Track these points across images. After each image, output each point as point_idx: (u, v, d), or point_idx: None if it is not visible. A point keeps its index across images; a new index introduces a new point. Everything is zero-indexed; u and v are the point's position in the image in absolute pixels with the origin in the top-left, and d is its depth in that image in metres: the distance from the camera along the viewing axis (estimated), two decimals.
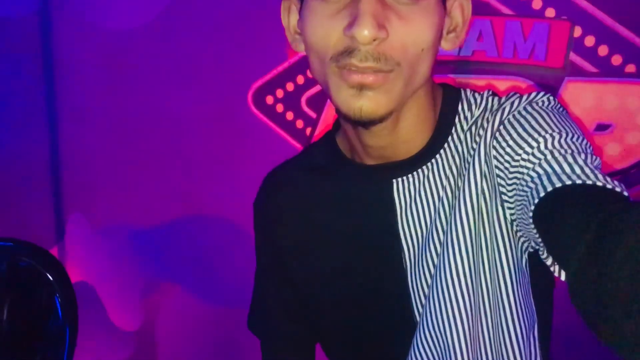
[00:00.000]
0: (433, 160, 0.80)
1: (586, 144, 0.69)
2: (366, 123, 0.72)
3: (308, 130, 2.40)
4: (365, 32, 0.64)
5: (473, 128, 0.78)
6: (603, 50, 1.94)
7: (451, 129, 0.80)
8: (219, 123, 2.43)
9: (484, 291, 0.77)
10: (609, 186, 0.59)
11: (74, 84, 2.49)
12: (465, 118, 0.80)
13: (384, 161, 0.81)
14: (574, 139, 0.68)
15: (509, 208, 0.73)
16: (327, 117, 2.38)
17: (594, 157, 0.67)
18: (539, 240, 0.63)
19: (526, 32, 2.01)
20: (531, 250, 0.78)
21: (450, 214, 0.78)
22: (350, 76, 0.69)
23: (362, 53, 0.67)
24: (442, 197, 0.79)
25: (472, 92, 0.83)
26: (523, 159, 0.68)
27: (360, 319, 0.89)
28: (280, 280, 0.96)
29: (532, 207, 0.62)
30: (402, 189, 0.81)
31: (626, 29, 1.89)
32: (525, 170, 0.67)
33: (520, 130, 0.71)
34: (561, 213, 0.56)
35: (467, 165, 0.77)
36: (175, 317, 2.52)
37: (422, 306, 0.81)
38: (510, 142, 0.71)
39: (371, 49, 0.66)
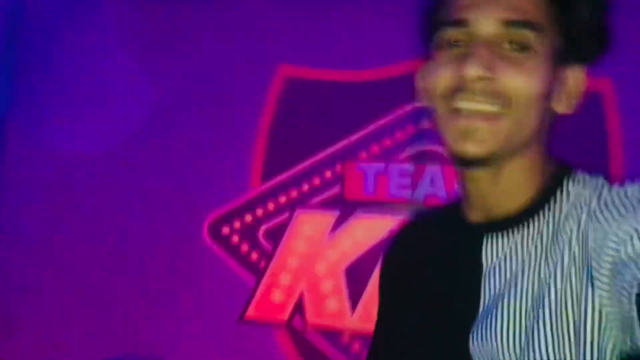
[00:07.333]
0: (525, 225, 0.80)
1: None
2: (469, 162, 0.76)
3: (262, 263, 2.33)
4: (472, 70, 0.71)
5: (574, 203, 0.78)
6: None
7: (550, 198, 0.80)
8: (170, 253, 2.33)
9: None
10: None
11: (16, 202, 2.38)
12: (568, 193, 0.80)
13: (483, 215, 0.83)
14: None
15: (601, 296, 0.70)
16: (284, 249, 2.31)
17: None
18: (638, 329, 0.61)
19: None
20: (623, 356, 0.72)
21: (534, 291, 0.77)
22: (459, 119, 0.74)
23: (471, 90, 0.72)
24: (525, 267, 0.78)
25: (585, 173, 0.82)
26: (623, 241, 0.67)
27: None
28: (390, 324, 0.96)
29: (636, 290, 0.61)
30: (490, 247, 0.82)
31: None
32: (624, 253, 0.66)
33: (623, 210, 0.70)
34: None
35: (560, 241, 0.76)
36: None
37: None
38: (611, 222, 0.70)
39: (481, 86, 0.72)
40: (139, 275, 2.33)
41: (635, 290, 0.60)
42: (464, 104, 0.74)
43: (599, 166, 1.99)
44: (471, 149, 0.74)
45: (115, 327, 2.30)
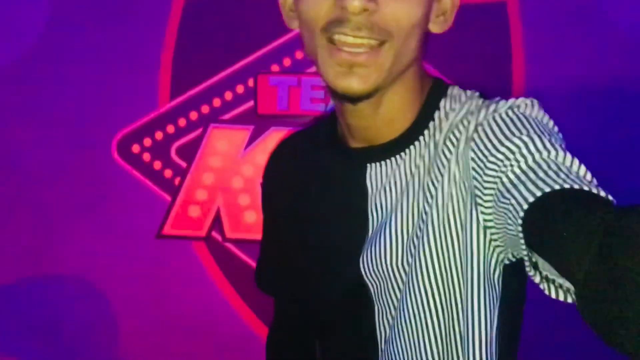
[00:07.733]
0: (407, 150, 0.80)
1: (565, 149, 0.67)
2: (353, 99, 0.74)
3: (177, 180, 2.30)
4: (355, 1, 0.66)
5: (452, 126, 0.77)
6: None
7: (429, 122, 0.80)
8: (78, 173, 2.25)
9: (456, 297, 0.77)
10: (594, 191, 0.59)
11: None
12: (447, 114, 0.79)
13: (365, 144, 0.82)
14: (556, 144, 0.67)
15: (483, 213, 0.71)
16: (199, 166, 2.29)
17: (577, 160, 0.65)
18: (524, 250, 0.61)
19: None
20: (507, 262, 0.76)
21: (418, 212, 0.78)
22: (340, 54, 0.70)
23: (353, 23, 0.68)
24: (409, 191, 0.79)
25: (460, 90, 0.83)
26: (503, 163, 0.67)
27: (317, 297, 0.90)
28: (277, 239, 0.99)
29: (521, 214, 0.61)
30: (374, 174, 0.82)
31: None
32: (505, 175, 0.66)
33: (499, 133, 0.70)
34: (556, 221, 0.55)
35: (440, 163, 0.77)
36: None
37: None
38: (489, 145, 0.70)
39: (362, 19, 0.68)
40: (50, 195, 2.25)
41: (521, 214, 0.61)
42: (345, 38, 0.69)
43: (502, 77, 2.07)
44: (355, 85, 0.71)
45: (28, 246, 2.25)
